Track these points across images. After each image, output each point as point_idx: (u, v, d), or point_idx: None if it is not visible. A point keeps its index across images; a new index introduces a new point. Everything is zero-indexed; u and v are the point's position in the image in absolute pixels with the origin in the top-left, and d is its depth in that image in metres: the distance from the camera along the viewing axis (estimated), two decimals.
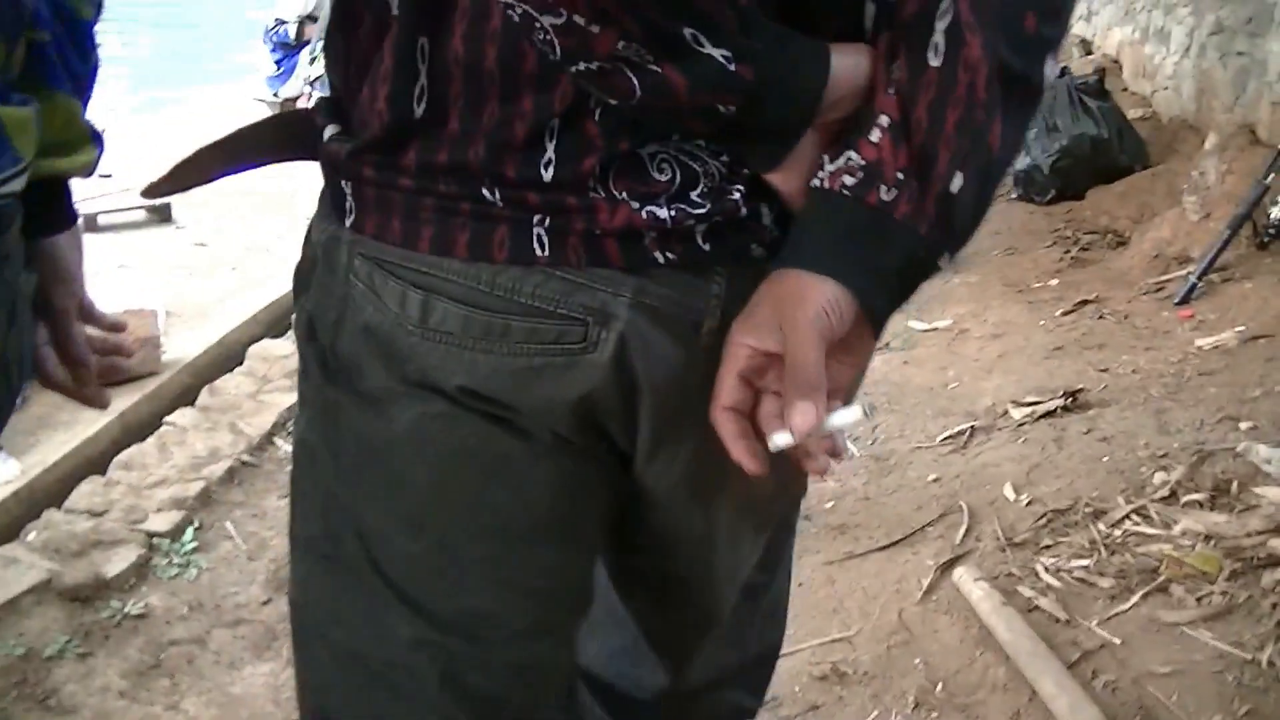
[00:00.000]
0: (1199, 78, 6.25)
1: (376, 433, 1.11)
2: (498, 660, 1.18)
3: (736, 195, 1.04)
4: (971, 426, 3.82)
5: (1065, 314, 4.81)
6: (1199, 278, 4.60)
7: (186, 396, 3.98)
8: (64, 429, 3.61)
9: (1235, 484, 2.97)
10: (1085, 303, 4.82)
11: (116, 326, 1.39)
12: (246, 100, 9.37)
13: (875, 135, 0.99)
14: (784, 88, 0.97)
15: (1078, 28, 8.72)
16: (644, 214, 1.01)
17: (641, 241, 1.03)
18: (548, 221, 1.02)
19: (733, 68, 0.92)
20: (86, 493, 3.33)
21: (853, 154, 1.00)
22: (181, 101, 11.20)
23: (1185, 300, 4.58)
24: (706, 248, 1.05)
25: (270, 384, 4.22)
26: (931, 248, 1.00)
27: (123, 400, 3.80)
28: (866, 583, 3.01)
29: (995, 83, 0.98)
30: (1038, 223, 6.13)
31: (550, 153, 1.01)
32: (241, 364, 4.47)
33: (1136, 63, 7.56)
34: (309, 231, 1.17)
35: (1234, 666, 2.36)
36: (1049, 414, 3.78)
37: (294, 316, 1.22)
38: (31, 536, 3.09)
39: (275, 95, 9.19)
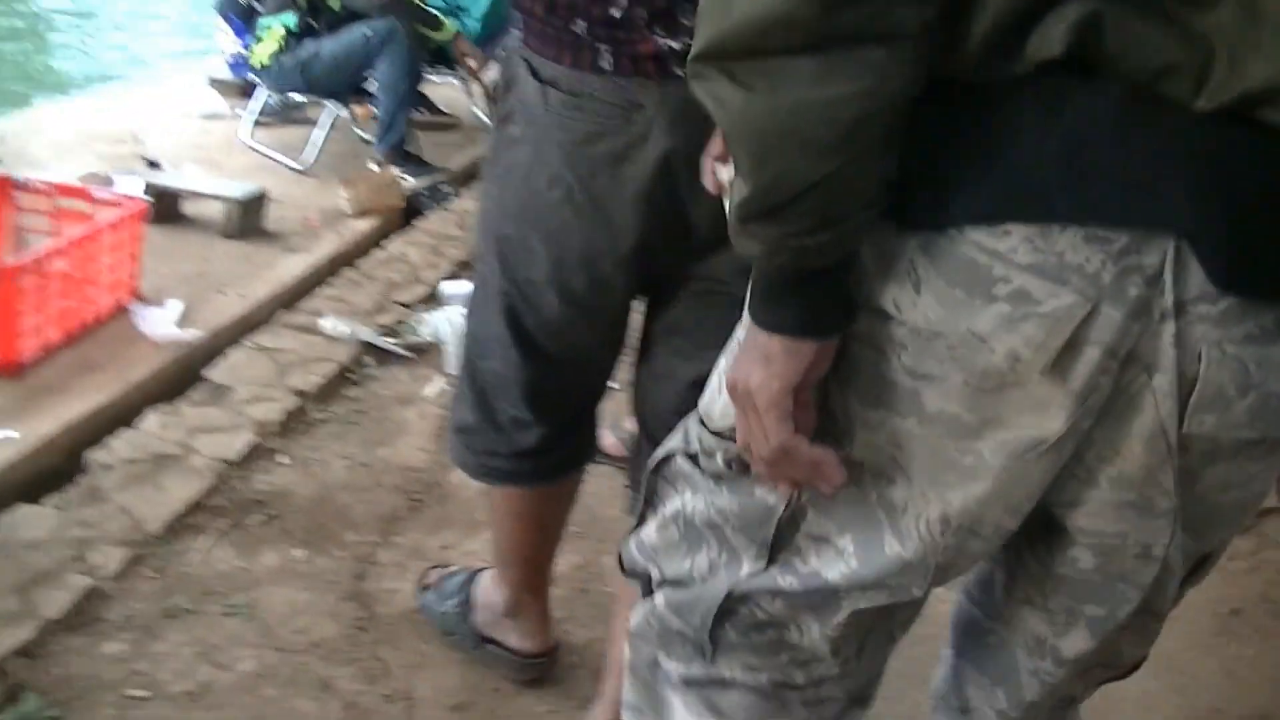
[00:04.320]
0: None
1: (510, 160, 1.90)
2: (538, 317, 1.99)
3: None
4: None
5: None
6: None
7: None
8: None
9: None
10: None
11: None
12: (199, 83, 7.13)
13: None
14: None
15: None
16: (665, 44, 1.71)
17: (667, 62, 1.72)
18: (611, 47, 1.73)
19: None
20: None
21: None
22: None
23: None
24: None
25: None
26: None
27: None
28: None
29: None
30: None
31: (621, 2, 1.71)
32: None
33: None
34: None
35: None
36: None
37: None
38: None
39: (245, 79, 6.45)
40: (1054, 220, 1.06)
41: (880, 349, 1.18)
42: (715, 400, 1.38)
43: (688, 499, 1.43)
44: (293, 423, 3.49)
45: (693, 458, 1.42)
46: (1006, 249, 1.08)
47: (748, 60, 1.01)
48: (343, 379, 3.82)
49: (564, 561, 2.68)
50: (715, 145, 1.51)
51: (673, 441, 1.45)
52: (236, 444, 3.29)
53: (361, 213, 5.18)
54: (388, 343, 3.99)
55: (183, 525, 2.95)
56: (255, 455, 3.28)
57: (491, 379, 2.11)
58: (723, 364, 1.38)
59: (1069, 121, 1.04)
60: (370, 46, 5.70)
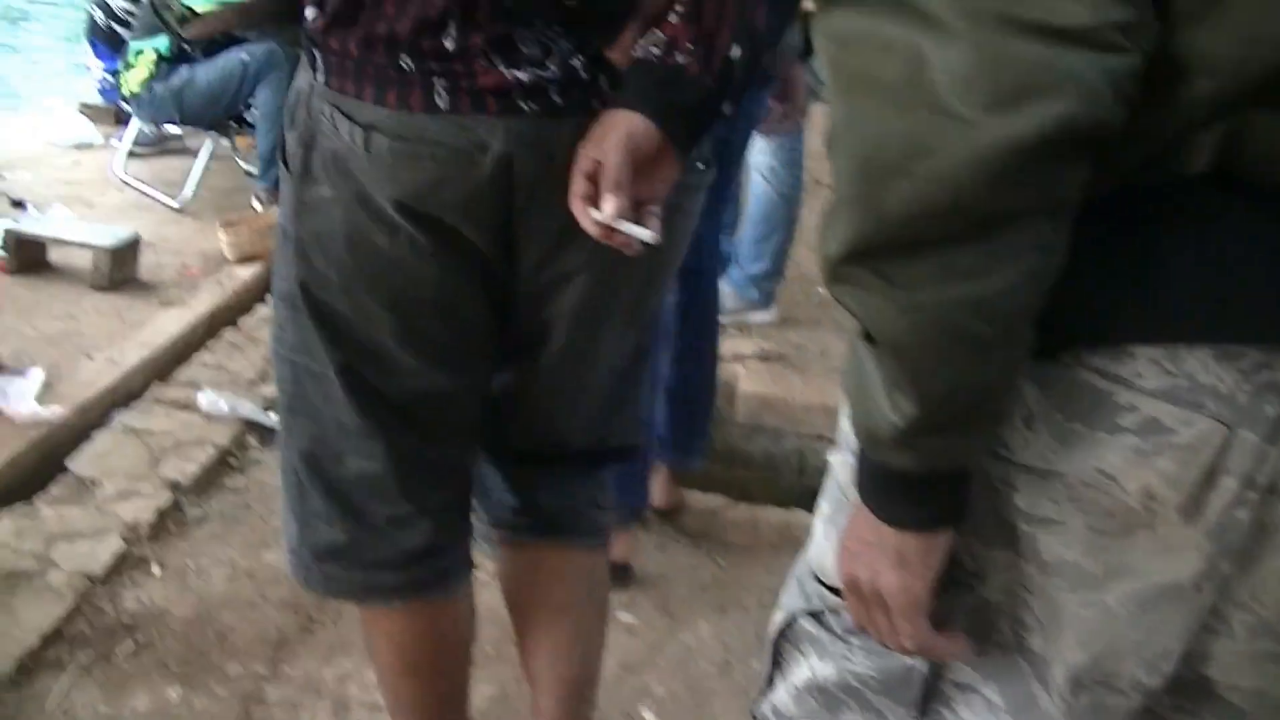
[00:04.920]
0: None
1: (324, 226, 1.65)
2: (399, 385, 1.74)
3: (578, 64, 1.55)
4: None
5: None
6: None
7: None
8: None
9: None
10: None
11: None
12: (70, 108, 6.80)
13: (673, 19, 1.55)
14: None
15: None
16: (510, 76, 1.53)
17: (510, 95, 1.54)
18: (447, 82, 1.53)
19: None
20: None
21: (657, 32, 1.55)
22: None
23: None
24: (559, 101, 1.56)
25: None
26: (715, 96, 1.58)
27: None
28: None
29: None
30: None
31: (452, 31, 1.51)
32: None
33: None
34: (295, 82, 1.68)
35: None
36: None
37: (284, 139, 1.69)
38: None
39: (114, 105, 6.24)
40: (1182, 340, 0.98)
41: (992, 487, 1.09)
42: (825, 552, 1.27)
43: (817, 665, 1.33)
44: (166, 523, 3.10)
45: (816, 616, 1.32)
46: (1130, 374, 1.00)
47: (904, 258, 0.91)
48: (223, 465, 3.43)
49: (476, 693, 2.32)
50: (579, 184, 1.51)
51: (791, 601, 1.36)
52: (102, 553, 2.91)
53: (243, 258, 4.77)
54: (273, 419, 3.60)
55: (38, 662, 2.57)
56: (124, 566, 2.90)
57: (355, 481, 1.80)
58: (825, 510, 1.29)
59: (1204, 235, 0.97)
60: (248, 73, 5.29)
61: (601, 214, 1.48)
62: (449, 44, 1.51)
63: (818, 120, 4.30)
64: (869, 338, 0.97)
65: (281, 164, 1.70)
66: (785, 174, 4.47)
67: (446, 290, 1.67)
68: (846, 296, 0.96)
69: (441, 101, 1.53)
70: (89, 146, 6.19)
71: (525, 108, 1.54)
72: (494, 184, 1.58)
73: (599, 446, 1.98)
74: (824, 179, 4.63)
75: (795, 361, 4.40)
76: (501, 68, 1.53)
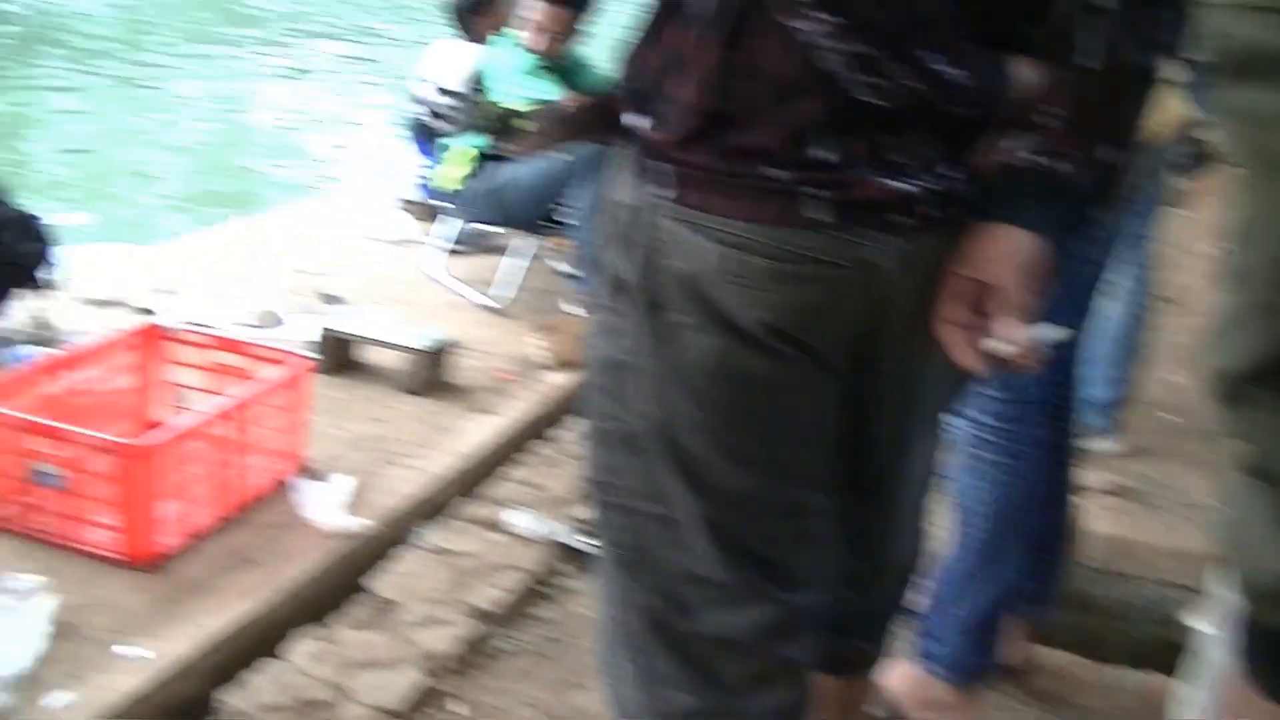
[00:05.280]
0: None
1: (682, 357, 1.52)
2: (765, 529, 1.62)
3: (957, 176, 1.48)
4: None
5: None
6: None
7: None
8: None
9: None
10: None
11: None
12: (391, 203, 6.67)
13: (1046, 119, 1.46)
14: (990, 94, 1.48)
15: None
16: (888, 187, 1.44)
17: (891, 208, 1.45)
18: (826, 194, 1.42)
19: (966, 83, 1.44)
20: None
21: (1039, 138, 1.46)
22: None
23: None
24: (933, 213, 1.47)
25: None
26: (1093, 201, 1.54)
27: None
28: None
29: (1132, 79, 1.49)
30: None
31: (830, 141, 1.42)
32: None
33: None
34: (613, 196, 1.57)
35: None
36: None
37: (601, 260, 1.60)
38: None
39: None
40: None
41: None
42: None
43: None
44: (471, 655, 2.86)
45: None
46: None
47: None
48: (533, 593, 3.18)
49: None
50: (958, 311, 1.46)
51: None
52: (401, 685, 2.68)
53: (561, 365, 4.57)
54: (587, 544, 3.34)
55: None
56: (424, 701, 2.67)
57: (712, 639, 1.67)
58: (1201, 701, 1.14)
59: None
60: (574, 172, 5.08)
61: (1002, 344, 1.44)
62: (823, 154, 1.44)
63: (1161, 230, 3.91)
64: (1266, 475, 0.84)
65: (608, 287, 1.60)
66: (1136, 289, 4.05)
67: (819, 417, 1.61)
68: (1244, 422, 0.85)
69: (819, 215, 1.45)
70: (407, 243, 6.14)
71: (901, 221, 1.48)
72: (869, 302, 1.51)
73: (911, 561, 1.96)
74: (1164, 293, 4.23)
75: (1146, 498, 3.96)
76: (879, 178, 1.46)
